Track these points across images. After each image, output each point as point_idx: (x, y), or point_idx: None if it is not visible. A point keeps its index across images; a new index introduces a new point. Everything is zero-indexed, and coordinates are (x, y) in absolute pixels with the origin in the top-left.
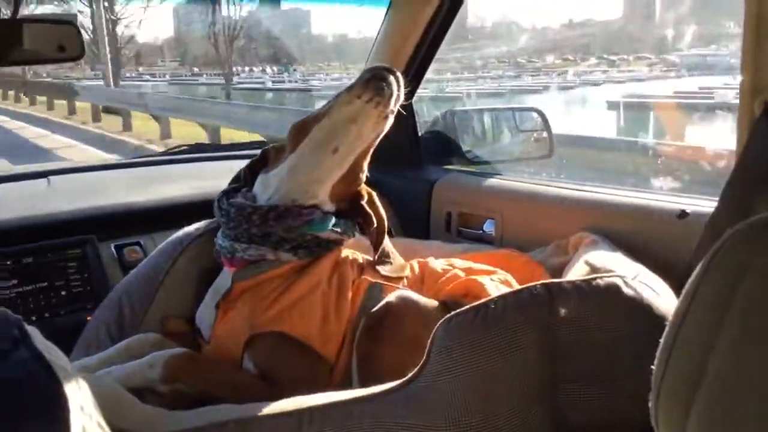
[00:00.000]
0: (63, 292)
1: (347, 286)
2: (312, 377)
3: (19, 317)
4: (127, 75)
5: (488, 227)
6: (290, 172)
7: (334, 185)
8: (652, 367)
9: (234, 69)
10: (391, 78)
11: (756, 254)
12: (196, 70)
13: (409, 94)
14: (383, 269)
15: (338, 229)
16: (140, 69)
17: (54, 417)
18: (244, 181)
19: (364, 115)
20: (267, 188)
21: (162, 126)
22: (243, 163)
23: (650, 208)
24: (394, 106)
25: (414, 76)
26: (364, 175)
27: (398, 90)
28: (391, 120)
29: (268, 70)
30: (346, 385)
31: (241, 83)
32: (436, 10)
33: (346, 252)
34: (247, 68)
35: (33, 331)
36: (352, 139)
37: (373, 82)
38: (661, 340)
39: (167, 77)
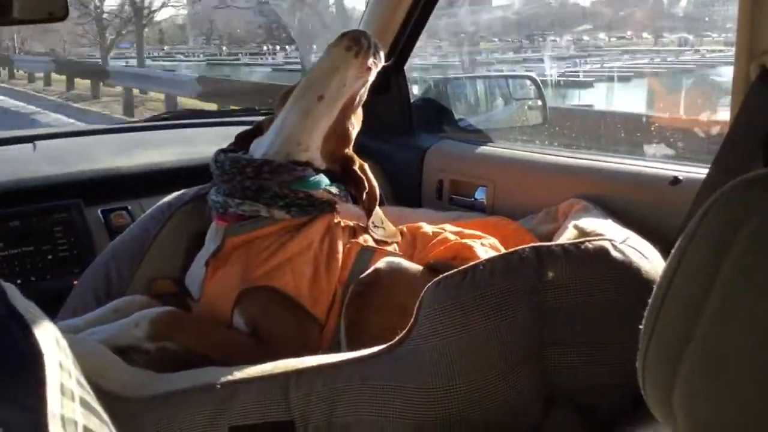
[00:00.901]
0: (49, 257)
1: (338, 249)
2: (302, 335)
3: None
4: (155, 54)
5: (480, 195)
6: (281, 125)
7: (324, 139)
8: (640, 328)
9: (270, 47)
10: (366, 34)
11: (746, 213)
12: (224, 48)
13: (400, 62)
14: (375, 234)
15: (332, 190)
16: (165, 48)
17: (29, 374)
18: (238, 147)
19: (345, 63)
20: (261, 146)
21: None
22: (232, 130)
23: (643, 174)
24: (375, 58)
25: (405, 45)
26: (354, 132)
27: (375, 45)
28: (374, 73)
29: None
30: (335, 349)
31: (288, 62)
32: None
33: (339, 218)
34: (288, 47)
35: (10, 289)
36: (336, 86)
37: (348, 34)
38: (650, 300)
39: (199, 56)
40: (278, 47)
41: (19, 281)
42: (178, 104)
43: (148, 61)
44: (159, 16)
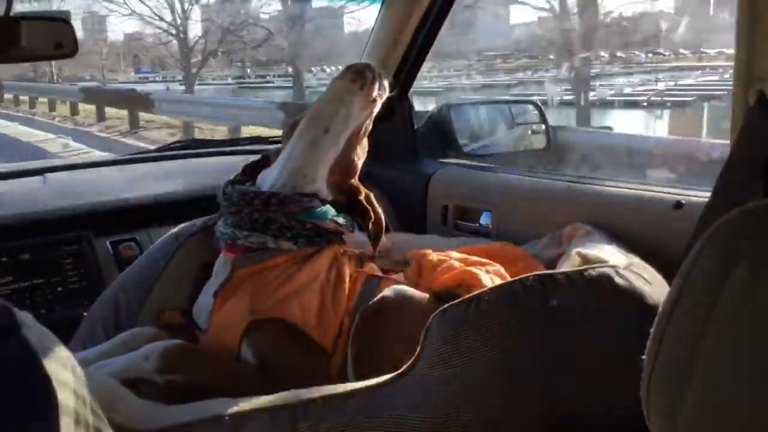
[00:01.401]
0: (59, 288)
1: (345, 279)
2: (310, 366)
3: (9, 305)
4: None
5: (485, 220)
6: (288, 157)
7: (330, 170)
8: (644, 356)
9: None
10: (371, 67)
11: (746, 241)
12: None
13: (404, 89)
14: (380, 263)
15: (338, 220)
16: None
17: (43, 405)
18: (246, 178)
19: (350, 96)
20: (268, 178)
21: None
22: (239, 159)
23: (645, 199)
24: (379, 90)
25: (409, 71)
26: (359, 163)
27: (380, 77)
28: (379, 105)
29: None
30: (342, 378)
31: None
32: (430, 4)
33: (345, 248)
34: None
35: (26, 318)
36: (342, 119)
37: (353, 67)
38: (652, 329)
39: (228, 80)
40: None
41: (30, 314)
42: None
43: (174, 86)
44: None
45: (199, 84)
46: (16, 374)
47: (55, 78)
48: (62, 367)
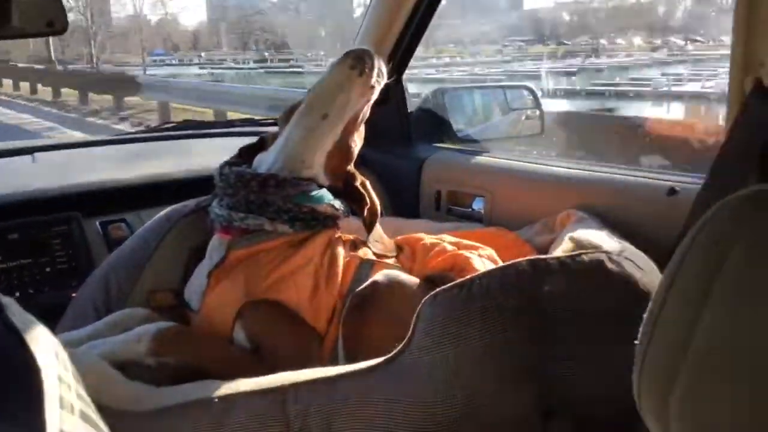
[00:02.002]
0: (47, 269)
1: (339, 263)
2: (302, 349)
3: None
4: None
5: (477, 205)
6: (285, 142)
7: (328, 156)
8: (636, 342)
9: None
10: (370, 53)
11: (741, 227)
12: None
13: (398, 73)
14: (374, 248)
15: (334, 205)
16: (202, 54)
17: (26, 389)
18: (242, 161)
19: (349, 82)
20: (264, 162)
21: None
22: (232, 141)
23: (639, 185)
24: (378, 77)
25: (402, 56)
26: (356, 149)
27: (379, 63)
28: (377, 91)
29: None
30: (334, 361)
31: None
32: None
33: (339, 233)
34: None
35: (10, 303)
36: (340, 105)
37: (353, 53)
38: (645, 315)
39: (249, 63)
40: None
41: (17, 294)
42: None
43: (194, 69)
44: (188, 21)
45: (220, 68)
46: (2, 359)
47: (95, 61)
48: (46, 352)
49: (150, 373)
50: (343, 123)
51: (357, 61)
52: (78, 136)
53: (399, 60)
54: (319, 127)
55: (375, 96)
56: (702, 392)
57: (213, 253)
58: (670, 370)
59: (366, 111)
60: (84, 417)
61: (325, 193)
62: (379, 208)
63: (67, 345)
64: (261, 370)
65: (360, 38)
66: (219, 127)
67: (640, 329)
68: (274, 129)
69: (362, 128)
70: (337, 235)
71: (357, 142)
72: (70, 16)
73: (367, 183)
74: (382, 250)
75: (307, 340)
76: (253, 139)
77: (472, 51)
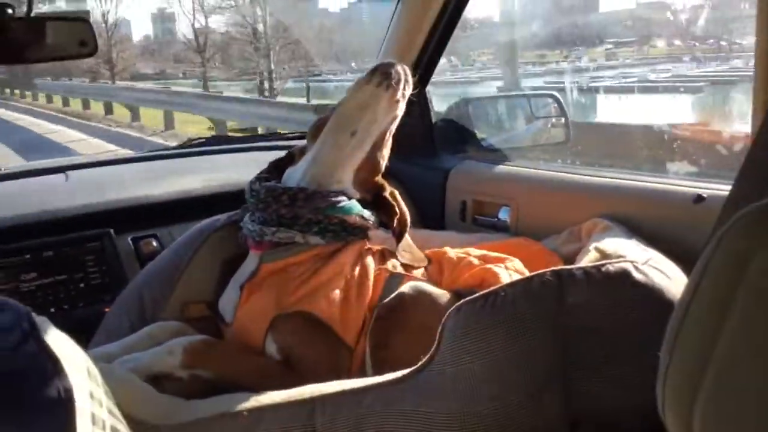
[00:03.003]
0: (81, 285)
1: (369, 275)
2: (333, 361)
3: (28, 309)
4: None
5: (503, 215)
6: (314, 159)
7: (356, 171)
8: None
9: None
10: (398, 67)
11: (763, 237)
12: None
13: (422, 83)
14: (403, 258)
15: (364, 215)
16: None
17: (61, 409)
18: (271, 176)
19: (376, 99)
20: (294, 176)
21: None
22: (258, 155)
23: (666, 192)
24: (404, 91)
25: (426, 66)
26: (384, 162)
27: (406, 76)
28: (403, 105)
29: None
30: (363, 373)
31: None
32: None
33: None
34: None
35: (43, 322)
36: (368, 122)
37: (380, 68)
38: (669, 325)
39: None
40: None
41: (52, 310)
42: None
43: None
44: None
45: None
46: (35, 379)
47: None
48: (78, 370)
49: (182, 386)
50: (371, 139)
51: (384, 77)
52: (108, 153)
53: (423, 70)
54: (348, 145)
55: (402, 110)
56: (726, 401)
57: (246, 267)
58: (694, 380)
59: (393, 125)
60: None
61: (354, 204)
62: (408, 217)
63: (100, 359)
64: (291, 382)
65: (384, 49)
66: (245, 142)
67: (664, 339)
68: (299, 142)
69: (390, 141)
70: (366, 247)
71: (385, 156)
72: None
73: (396, 193)
74: (410, 260)
75: (337, 352)
76: (280, 153)
77: (577, 54)
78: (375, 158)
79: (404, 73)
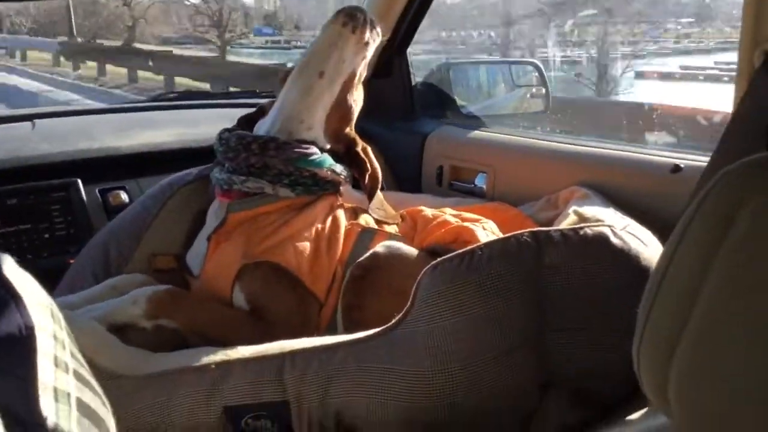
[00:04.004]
0: (46, 235)
1: (340, 229)
2: (301, 312)
3: None
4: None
5: (480, 181)
6: (283, 103)
7: (327, 116)
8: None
9: None
10: (362, 10)
11: (747, 193)
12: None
13: (403, 44)
14: (375, 215)
15: (336, 169)
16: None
17: (20, 345)
18: (241, 129)
19: (343, 40)
20: (263, 126)
21: None
22: (232, 111)
23: (643, 162)
24: (371, 33)
25: (408, 27)
26: (356, 108)
27: (371, 21)
28: (372, 47)
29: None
30: (332, 329)
31: None
32: None
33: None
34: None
35: (6, 259)
36: (335, 62)
37: (345, 10)
38: (646, 288)
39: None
40: None
41: (14, 258)
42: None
43: None
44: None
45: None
46: None
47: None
48: (41, 309)
49: (146, 337)
50: (340, 80)
51: (349, 18)
52: (77, 104)
53: (404, 33)
54: (317, 86)
55: (370, 53)
56: (702, 363)
57: (213, 217)
58: (670, 344)
59: (363, 69)
60: (77, 376)
61: (326, 158)
62: (380, 174)
63: (64, 308)
64: (258, 332)
65: (366, 7)
66: (219, 98)
67: (642, 299)
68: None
69: (360, 89)
70: (339, 202)
71: (356, 101)
72: None
73: (369, 149)
74: (383, 217)
75: (305, 304)
76: (254, 110)
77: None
78: (346, 102)
79: (369, 16)
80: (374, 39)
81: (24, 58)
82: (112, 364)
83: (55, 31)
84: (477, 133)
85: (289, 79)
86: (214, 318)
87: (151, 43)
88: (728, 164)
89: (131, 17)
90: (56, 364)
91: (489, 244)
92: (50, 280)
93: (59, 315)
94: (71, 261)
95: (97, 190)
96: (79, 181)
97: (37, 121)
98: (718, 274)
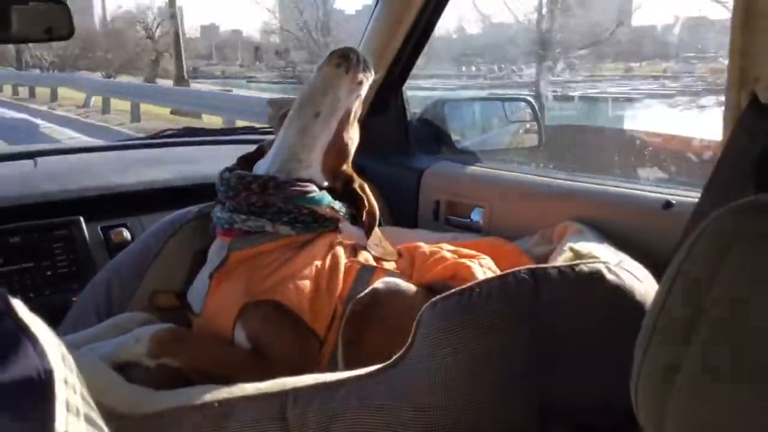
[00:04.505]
0: (48, 273)
1: (340, 267)
2: (302, 350)
3: (3, 289)
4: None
5: (476, 216)
6: (281, 144)
7: (324, 154)
8: (633, 350)
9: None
10: (354, 50)
11: (739, 233)
12: None
13: (399, 82)
14: (374, 251)
15: (335, 206)
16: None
17: (39, 390)
18: (241, 168)
19: (337, 80)
20: (263, 166)
21: None
22: (232, 148)
23: (636, 198)
24: (364, 72)
25: (404, 65)
26: (352, 146)
27: (363, 60)
28: (365, 86)
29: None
30: (333, 366)
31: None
32: (426, 1)
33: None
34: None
35: (18, 304)
36: (331, 102)
37: (337, 52)
38: (642, 325)
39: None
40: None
41: (18, 297)
42: None
43: None
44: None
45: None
46: (14, 357)
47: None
48: (54, 354)
49: (149, 375)
50: (335, 120)
51: (343, 59)
52: (79, 141)
53: (400, 70)
54: (313, 125)
55: (364, 91)
56: (699, 400)
57: (215, 256)
58: (666, 381)
59: (357, 108)
60: (88, 420)
61: (324, 195)
62: (377, 210)
63: (68, 347)
64: (260, 371)
65: (362, 47)
66: (219, 134)
67: (638, 338)
68: (272, 136)
69: (356, 126)
70: (338, 239)
71: (352, 139)
72: None
73: (366, 186)
74: (381, 254)
75: (306, 342)
76: (253, 147)
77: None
78: (342, 141)
79: (362, 56)
80: (367, 78)
81: (54, 97)
82: (115, 402)
83: (77, 65)
84: (472, 169)
85: (286, 120)
86: (217, 357)
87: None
88: (717, 203)
89: (154, 50)
90: (68, 409)
91: (487, 282)
92: (53, 318)
93: (69, 358)
94: (74, 299)
95: (99, 228)
96: (82, 218)
97: (39, 158)
98: (709, 316)
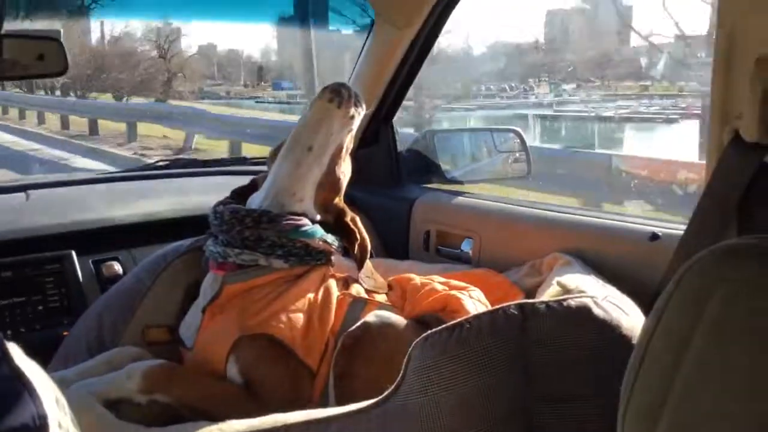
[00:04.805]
0: (40, 307)
1: (332, 300)
2: (294, 384)
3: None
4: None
5: (466, 246)
6: (275, 178)
7: (317, 189)
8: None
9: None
10: (346, 86)
11: (721, 278)
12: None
13: (390, 115)
14: (365, 284)
15: (327, 239)
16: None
17: None
18: (234, 202)
19: (329, 115)
20: (256, 200)
21: None
22: (224, 180)
23: (623, 230)
24: (356, 107)
25: (394, 98)
26: (344, 179)
27: (355, 95)
28: (357, 121)
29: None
30: (324, 399)
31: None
32: (416, 34)
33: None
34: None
35: (13, 348)
36: (323, 137)
37: (329, 87)
38: (629, 362)
39: None
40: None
41: (8, 332)
42: None
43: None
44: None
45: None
46: (9, 404)
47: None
48: (48, 398)
49: (140, 411)
50: (328, 154)
51: (335, 95)
52: (71, 174)
53: (390, 103)
54: (306, 160)
55: (356, 126)
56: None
57: (207, 289)
58: (653, 414)
59: (349, 142)
60: None
61: (317, 228)
62: (369, 243)
63: (59, 383)
64: (252, 407)
65: (353, 80)
66: (211, 166)
67: (624, 376)
68: (264, 168)
69: (348, 160)
70: (330, 272)
71: (344, 172)
72: None
73: (357, 219)
74: (372, 287)
75: (298, 376)
76: (245, 179)
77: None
78: (334, 174)
79: (354, 91)
80: (359, 113)
81: (66, 126)
82: None
83: (89, 86)
84: (462, 199)
85: (279, 154)
86: (208, 393)
87: (188, 99)
88: (701, 240)
89: (167, 71)
90: None
91: (477, 317)
92: (44, 353)
93: (63, 400)
94: (65, 333)
95: (90, 262)
96: (74, 252)
97: (31, 191)
98: (694, 355)
